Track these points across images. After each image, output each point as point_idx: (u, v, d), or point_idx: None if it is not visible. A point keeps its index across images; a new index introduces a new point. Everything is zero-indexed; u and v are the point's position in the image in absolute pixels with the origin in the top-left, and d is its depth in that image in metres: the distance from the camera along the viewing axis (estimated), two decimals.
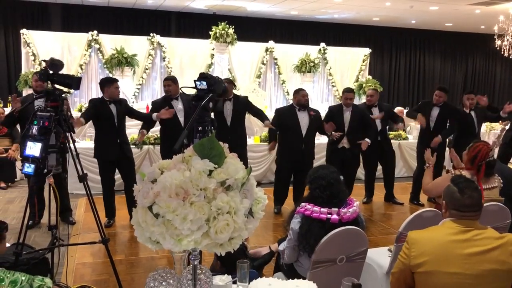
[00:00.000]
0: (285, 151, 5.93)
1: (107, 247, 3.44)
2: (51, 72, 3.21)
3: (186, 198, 1.21)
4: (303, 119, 5.83)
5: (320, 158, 7.08)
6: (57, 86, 3.26)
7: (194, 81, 2.36)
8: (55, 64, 3.20)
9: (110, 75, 9.00)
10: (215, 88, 2.29)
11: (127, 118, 5.48)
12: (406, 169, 8.43)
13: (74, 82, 3.28)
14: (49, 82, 3.26)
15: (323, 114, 6.38)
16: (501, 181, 3.49)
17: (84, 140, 7.44)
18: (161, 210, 1.22)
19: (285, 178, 6.07)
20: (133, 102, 8.79)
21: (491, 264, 2.01)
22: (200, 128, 2.27)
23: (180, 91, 5.55)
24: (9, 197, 6.61)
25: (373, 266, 3.19)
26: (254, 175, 6.38)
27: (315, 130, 6.00)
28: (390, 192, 6.73)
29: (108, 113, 5.21)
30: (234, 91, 6.23)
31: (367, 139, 6.12)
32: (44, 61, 3.24)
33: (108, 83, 5.27)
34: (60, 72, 3.26)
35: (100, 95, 8.96)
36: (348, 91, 6.21)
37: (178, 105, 5.49)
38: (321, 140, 6.30)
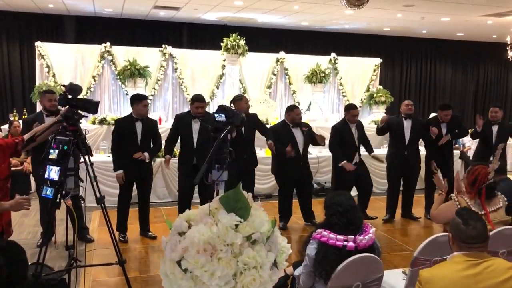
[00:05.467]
0: (285, 169, 5.84)
1: (124, 268, 3.48)
2: (70, 96, 3.26)
3: (214, 254, 1.24)
4: (298, 136, 5.79)
5: (327, 172, 7.09)
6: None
7: (213, 113, 2.39)
8: (73, 89, 3.25)
9: (123, 87, 9.09)
10: (234, 120, 2.32)
11: None
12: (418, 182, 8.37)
13: (92, 107, 3.33)
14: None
15: (321, 125, 6.34)
16: (505, 199, 3.47)
17: (98, 153, 7.50)
18: (189, 266, 1.24)
19: (289, 195, 6.06)
20: None
21: None
22: (218, 160, 2.30)
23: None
24: (24, 210, 6.65)
25: None
26: (265, 188, 6.41)
27: (308, 145, 5.98)
28: (409, 208, 6.55)
29: (132, 131, 5.20)
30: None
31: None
32: (63, 85, 3.30)
33: (136, 101, 5.23)
34: (79, 97, 3.31)
35: (112, 106, 9.22)
36: (354, 107, 6.19)
37: (196, 125, 5.39)
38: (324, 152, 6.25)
